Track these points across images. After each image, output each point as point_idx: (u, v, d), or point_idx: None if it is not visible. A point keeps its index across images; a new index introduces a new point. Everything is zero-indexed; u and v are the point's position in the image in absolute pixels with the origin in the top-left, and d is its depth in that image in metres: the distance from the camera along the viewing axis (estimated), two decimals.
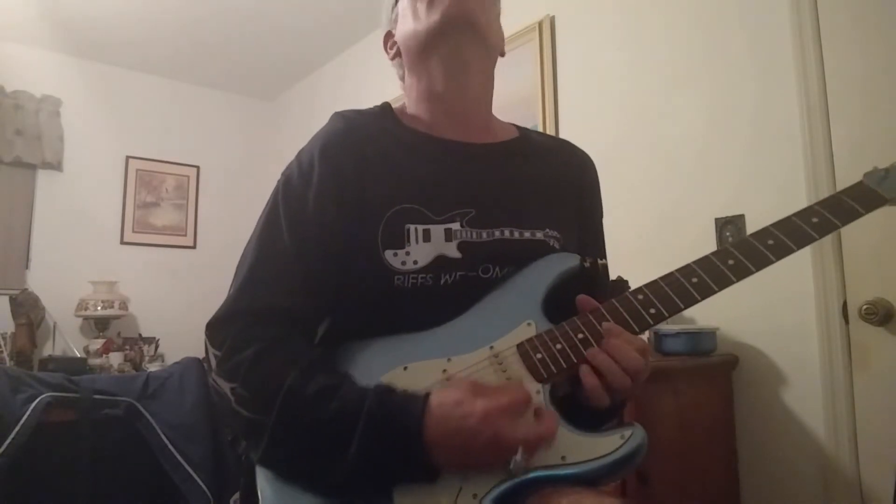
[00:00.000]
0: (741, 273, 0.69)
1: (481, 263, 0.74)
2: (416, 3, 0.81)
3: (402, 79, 0.90)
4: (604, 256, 0.90)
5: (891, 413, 1.36)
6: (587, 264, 0.76)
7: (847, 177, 1.44)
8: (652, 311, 0.69)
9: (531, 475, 0.60)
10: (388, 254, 0.72)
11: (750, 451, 1.59)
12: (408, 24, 0.82)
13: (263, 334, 0.68)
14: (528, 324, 0.71)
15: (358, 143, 0.79)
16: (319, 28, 3.22)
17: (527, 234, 0.78)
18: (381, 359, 0.70)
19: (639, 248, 1.82)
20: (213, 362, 0.68)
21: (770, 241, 0.70)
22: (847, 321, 1.44)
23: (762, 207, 1.61)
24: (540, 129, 2.21)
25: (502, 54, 0.88)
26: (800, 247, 0.69)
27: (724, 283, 0.69)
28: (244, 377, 0.65)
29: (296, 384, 0.64)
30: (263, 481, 0.68)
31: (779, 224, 0.72)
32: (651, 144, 1.91)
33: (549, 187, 0.85)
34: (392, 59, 0.90)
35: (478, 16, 0.81)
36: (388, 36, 0.90)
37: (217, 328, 0.70)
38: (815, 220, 0.71)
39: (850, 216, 0.71)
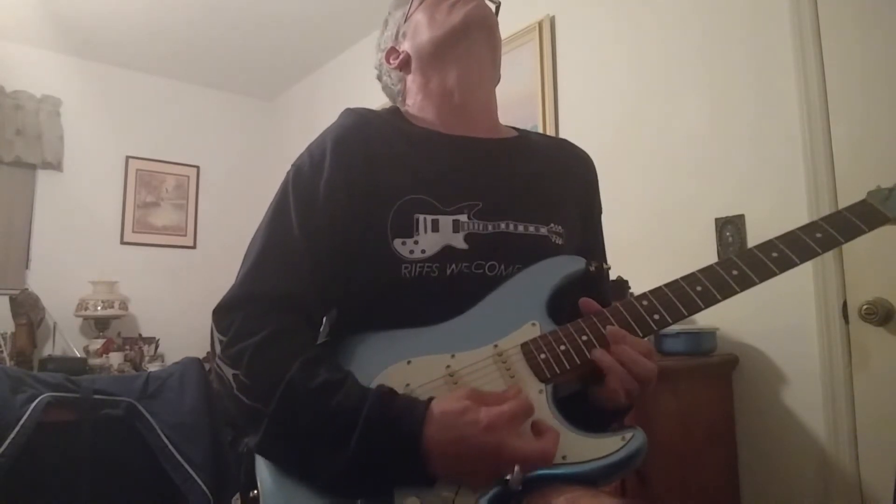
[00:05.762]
0: (744, 283, 0.70)
1: (485, 256, 0.75)
2: (433, 13, 0.86)
3: (399, 93, 0.93)
4: (603, 253, 0.92)
5: (891, 413, 1.36)
6: (592, 268, 0.77)
7: (847, 177, 1.45)
8: (656, 316, 0.70)
9: (531, 473, 0.60)
10: (397, 242, 0.72)
11: (750, 451, 1.59)
12: (423, 33, 0.87)
13: (269, 322, 0.67)
14: (533, 324, 0.71)
15: (369, 136, 0.80)
16: (319, 28, 3.22)
17: (531, 229, 0.78)
18: (385, 352, 0.70)
19: (639, 248, 1.82)
20: (218, 347, 0.68)
21: (774, 254, 0.72)
22: (847, 321, 1.44)
23: (762, 207, 1.62)
24: (540, 128, 2.22)
25: (496, 83, 0.94)
26: (803, 260, 0.72)
27: (727, 292, 0.70)
28: (247, 365, 0.65)
29: (297, 376, 0.63)
30: (263, 472, 0.68)
31: (783, 237, 0.73)
32: (651, 144, 1.91)
33: (553, 183, 0.86)
34: (395, 68, 0.92)
35: (495, 22, 0.88)
36: (392, 51, 0.93)
37: (223, 313, 0.70)
38: (818, 234, 0.73)
39: (854, 233, 0.74)
